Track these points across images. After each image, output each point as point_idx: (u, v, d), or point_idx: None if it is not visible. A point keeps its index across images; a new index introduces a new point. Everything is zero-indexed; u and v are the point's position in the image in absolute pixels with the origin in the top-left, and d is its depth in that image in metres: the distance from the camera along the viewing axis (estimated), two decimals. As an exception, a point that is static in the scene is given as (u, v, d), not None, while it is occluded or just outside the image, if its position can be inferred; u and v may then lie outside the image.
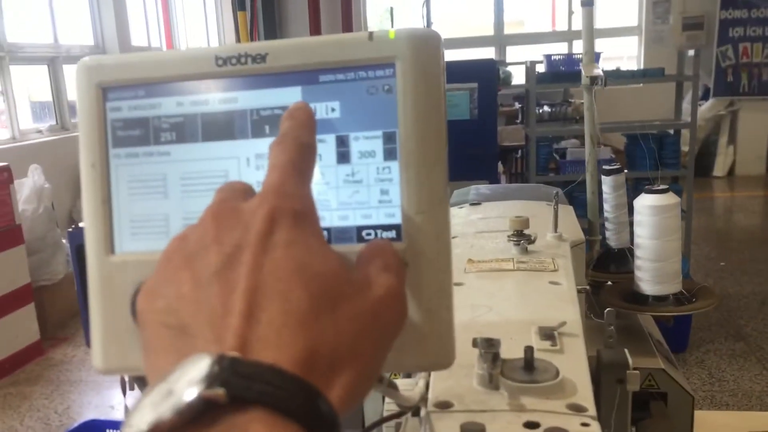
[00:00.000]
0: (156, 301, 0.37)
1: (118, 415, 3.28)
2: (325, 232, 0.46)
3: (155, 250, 0.44)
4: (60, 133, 5.68)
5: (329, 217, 0.47)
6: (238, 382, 0.31)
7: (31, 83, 5.88)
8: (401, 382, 0.80)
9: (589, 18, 1.68)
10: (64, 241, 4.60)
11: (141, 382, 3.23)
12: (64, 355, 4.31)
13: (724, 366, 3.64)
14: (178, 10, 7.66)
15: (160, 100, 0.49)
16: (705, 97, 8.51)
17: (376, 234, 0.46)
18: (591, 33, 1.67)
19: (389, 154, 0.46)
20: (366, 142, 0.46)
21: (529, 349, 0.77)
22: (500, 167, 5.47)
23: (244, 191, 0.41)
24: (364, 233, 0.46)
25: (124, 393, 3.17)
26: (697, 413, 1.44)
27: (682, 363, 3.64)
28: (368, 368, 0.37)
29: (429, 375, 0.82)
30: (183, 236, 0.39)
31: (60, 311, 4.58)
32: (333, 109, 0.47)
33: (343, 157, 0.47)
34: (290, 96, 0.47)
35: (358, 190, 0.46)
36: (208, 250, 0.37)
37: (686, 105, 5.02)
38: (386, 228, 0.46)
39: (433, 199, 0.45)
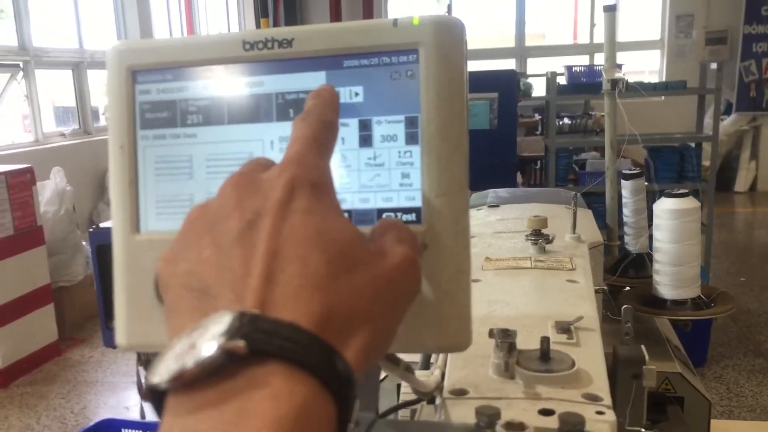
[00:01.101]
0: (178, 265, 0.38)
1: (133, 415, 3.29)
2: (345, 214, 0.47)
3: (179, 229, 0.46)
4: (83, 137, 5.75)
5: (351, 200, 0.47)
6: (258, 336, 0.32)
7: (55, 88, 5.96)
8: (418, 373, 0.80)
9: (611, 23, 1.68)
10: (84, 243, 4.64)
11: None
12: (82, 356, 4.34)
13: (743, 381, 3.60)
14: (201, 14, 7.73)
15: (188, 83, 0.50)
16: (727, 112, 8.45)
17: (396, 216, 0.47)
18: (613, 38, 1.67)
19: (411, 139, 0.46)
20: (388, 127, 0.47)
21: (545, 340, 0.77)
22: (519, 177, 5.46)
23: (267, 166, 0.42)
24: (384, 216, 0.47)
25: (141, 394, 3.18)
26: (715, 422, 1.42)
27: (700, 377, 3.60)
28: (383, 331, 0.38)
29: (445, 365, 0.82)
30: (204, 205, 0.40)
31: (78, 313, 4.62)
32: (356, 94, 0.48)
33: (366, 140, 0.47)
34: (315, 80, 0.48)
35: (380, 174, 0.47)
36: (229, 216, 0.38)
37: (708, 120, 4.99)
38: (406, 211, 0.46)
39: (453, 184, 0.46)
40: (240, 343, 0.32)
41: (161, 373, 0.32)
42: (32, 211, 4.14)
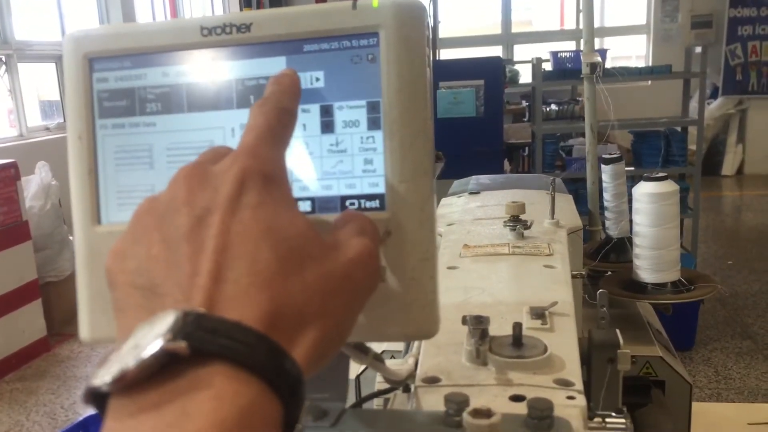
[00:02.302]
0: (126, 262, 0.38)
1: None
2: (308, 202, 0.47)
3: None
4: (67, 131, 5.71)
5: (313, 187, 0.47)
6: (201, 336, 0.31)
7: (39, 82, 5.92)
8: (391, 362, 0.80)
9: (589, 6, 1.67)
10: (71, 237, 4.62)
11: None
12: (71, 351, 4.33)
13: (731, 364, 3.62)
14: (185, 4, 7.67)
15: (146, 70, 0.49)
16: (714, 96, 8.47)
17: (359, 203, 0.46)
18: (591, 21, 1.66)
19: (373, 124, 0.46)
20: (350, 112, 0.46)
21: (517, 326, 0.77)
22: (506, 164, 5.46)
23: (223, 155, 0.41)
24: (347, 203, 0.46)
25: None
26: (697, 405, 1.43)
27: (688, 360, 3.62)
28: (336, 327, 0.37)
29: (418, 353, 0.82)
30: (154, 197, 0.39)
31: (66, 308, 4.59)
32: (317, 79, 0.47)
33: (327, 126, 0.47)
34: (275, 66, 0.47)
35: (342, 160, 0.46)
36: (178, 212, 0.37)
37: (694, 104, 5.00)
38: (370, 197, 0.46)
39: (417, 169, 0.45)
40: (182, 344, 0.31)
41: (103, 376, 0.32)
42: (18, 207, 4.12)
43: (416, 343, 0.84)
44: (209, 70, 0.48)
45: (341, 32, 0.46)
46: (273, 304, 0.34)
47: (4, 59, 5.16)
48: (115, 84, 0.49)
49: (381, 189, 0.46)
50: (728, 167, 8.68)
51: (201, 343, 0.31)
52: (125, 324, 0.36)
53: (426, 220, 0.45)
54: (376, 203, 0.46)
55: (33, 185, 4.39)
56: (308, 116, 0.47)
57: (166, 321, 0.32)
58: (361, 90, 0.46)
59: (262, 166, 0.38)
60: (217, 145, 0.45)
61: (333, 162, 0.46)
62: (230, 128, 0.48)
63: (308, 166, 0.47)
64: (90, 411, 3.15)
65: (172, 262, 0.36)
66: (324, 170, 0.47)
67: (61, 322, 4.57)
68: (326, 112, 0.47)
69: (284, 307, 0.34)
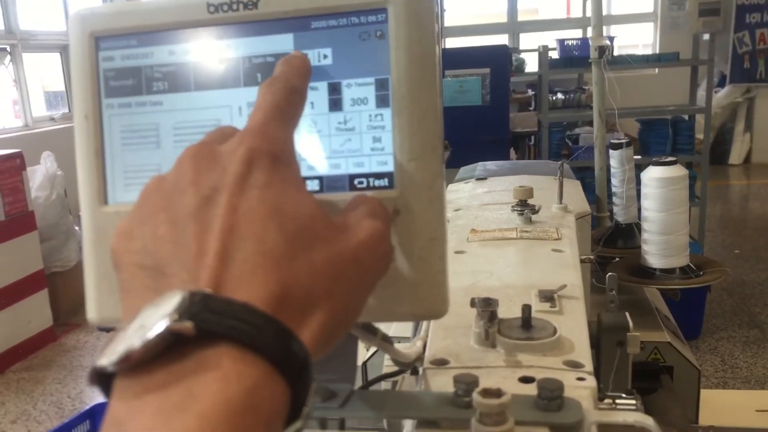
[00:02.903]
0: (132, 242, 0.37)
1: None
2: (317, 181, 0.46)
3: None
4: (73, 121, 5.71)
5: (321, 166, 0.46)
6: (207, 317, 0.31)
7: (44, 73, 5.92)
8: (399, 345, 0.80)
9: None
10: (76, 228, 4.62)
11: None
12: (77, 341, 4.34)
13: (738, 353, 3.61)
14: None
15: (153, 49, 0.49)
16: (721, 84, 8.42)
17: (368, 182, 0.46)
18: (599, 5, 1.65)
19: (382, 101, 0.45)
20: (358, 89, 0.46)
21: (526, 308, 0.76)
22: (512, 153, 5.45)
23: (230, 134, 0.40)
24: (356, 181, 0.46)
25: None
26: (705, 392, 1.42)
27: (695, 349, 3.61)
28: (344, 310, 0.37)
29: (426, 336, 0.81)
30: (161, 177, 0.39)
31: (73, 298, 4.61)
32: (325, 56, 0.46)
33: (336, 104, 0.46)
34: (282, 43, 0.47)
35: (351, 138, 0.46)
36: (185, 192, 0.37)
37: (701, 92, 4.97)
38: (379, 176, 0.45)
39: (426, 147, 0.44)
40: (188, 324, 0.31)
41: (109, 355, 0.31)
42: (23, 197, 4.12)
43: (424, 326, 0.83)
44: (216, 47, 0.48)
45: (349, 8, 0.46)
46: (280, 286, 0.34)
47: (9, 49, 5.16)
48: (121, 63, 0.49)
49: (390, 167, 0.45)
50: (736, 156, 8.63)
51: (207, 323, 0.31)
52: (131, 305, 0.35)
53: (435, 198, 0.45)
54: (384, 182, 0.45)
55: (38, 175, 4.40)
56: (316, 94, 0.46)
57: (173, 301, 0.32)
58: (370, 67, 0.45)
59: (271, 146, 0.38)
60: (224, 125, 0.44)
61: (341, 140, 0.46)
62: (237, 107, 0.47)
63: (316, 145, 0.46)
64: (97, 400, 3.16)
65: (178, 242, 0.35)
66: (332, 149, 0.46)
67: (68, 312, 4.58)
68: (334, 90, 0.46)
69: (292, 289, 0.34)
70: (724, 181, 7.97)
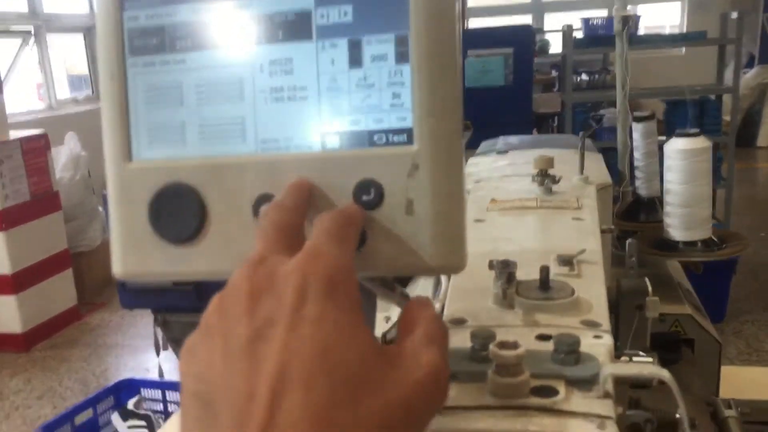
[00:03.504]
0: (192, 365, 0.38)
1: (153, 376, 3.34)
2: (336, 137, 0.47)
3: (171, 157, 0.49)
4: (96, 102, 5.75)
5: (342, 122, 0.47)
6: None
7: (67, 55, 5.96)
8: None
9: (620, -40, 1.63)
10: (100, 208, 4.67)
11: (174, 343, 3.20)
12: (101, 320, 4.40)
13: (763, 336, 3.58)
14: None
15: (176, 7, 0.49)
16: (750, 65, 8.28)
17: (387, 137, 0.46)
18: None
19: (401, 57, 0.45)
20: (378, 46, 0.46)
21: (544, 269, 0.75)
22: (535, 134, 5.40)
23: (291, 237, 0.41)
24: (375, 137, 0.46)
25: (158, 353, 3.20)
26: (725, 368, 1.40)
27: (718, 332, 3.56)
28: None
29: (445, 297, 0.81)
30: (221, 296, 0.39)
31: (97, 277, 4.66)
32: (345, 13, 0.46)
33: (356, 61, 0.46)
34: (304, 0, 0.47)
35: (370, 95, 0.46)
36: (240, 321, 0.37)
37: (729, 73, 4.89)
38: (398, 132, 0.46)
39: (446, 103, 0.45)
40: None
41: None
42: (48, 177, 4.17)
43: (443, 287, 0.83)
44: (238, 5, 0.48)
45: None
46: None
47: (32, 31, 5.20)
48: (145, 22, 0.50)
49: (409, 123, 0.46)
50: (764, 138, 8.50)
51: None
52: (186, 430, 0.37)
53: (454, 154, 0.45)
54: (403, 137, 0.46)
55: (63, 156, 4.45)
56: (336, 51, 0.47)
57: None
58: (390, 23, 0.46)
59: (326, 270, 0.37)
60: (278, 201, 0.45)
61: (361, 97, 0.46)
62: (259, 64, 0.48)
63: (336, 101, 0.47)
64: (121, 376, 3.20)
65: (228, 378, 0.36)
66: (352, 105, 0.47)
67: (92, 292, 4.64)
68: (354, 47, 0.46)
69: None
70: (752, 163, 7.86)
